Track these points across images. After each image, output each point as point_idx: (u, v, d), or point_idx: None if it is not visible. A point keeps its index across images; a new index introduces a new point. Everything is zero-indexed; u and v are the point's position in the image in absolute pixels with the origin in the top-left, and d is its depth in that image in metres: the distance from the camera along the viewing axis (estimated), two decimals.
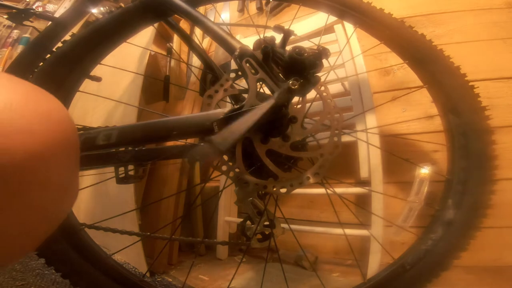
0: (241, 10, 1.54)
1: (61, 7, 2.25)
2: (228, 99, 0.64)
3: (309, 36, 1.04)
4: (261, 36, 0.55)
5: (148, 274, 0.94)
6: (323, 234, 0.96)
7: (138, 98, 1.10)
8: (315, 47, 0.50)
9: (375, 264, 0.83)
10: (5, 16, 0.73)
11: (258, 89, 0.50)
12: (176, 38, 1.52)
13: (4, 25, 2.27)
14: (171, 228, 1.06)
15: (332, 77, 0.97)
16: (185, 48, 1.55)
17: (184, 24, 1.46)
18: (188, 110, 1.27)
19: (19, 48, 2.18)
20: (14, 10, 0.73)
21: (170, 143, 0.67)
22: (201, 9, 1.57)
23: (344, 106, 0.97)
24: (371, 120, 0.91)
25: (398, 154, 0.82)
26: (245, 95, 0.50)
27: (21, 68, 0.63)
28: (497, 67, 0.92)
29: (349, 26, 0.97)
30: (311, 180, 0.48)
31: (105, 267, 0.63)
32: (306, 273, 0.95)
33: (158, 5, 0.67)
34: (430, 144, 0.91)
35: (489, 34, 0.95)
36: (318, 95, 0.53)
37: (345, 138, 0.90)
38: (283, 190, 0.47)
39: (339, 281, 0.89)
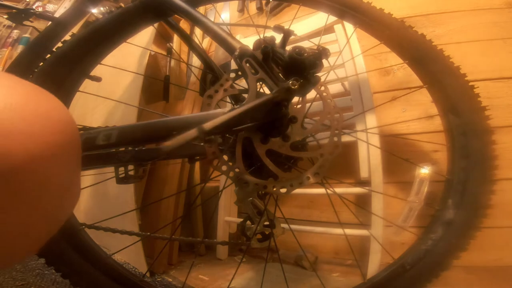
0: (241, 10, 1.54)
1: (61, 7, 2.25)
2: (228, 99, 0.64)
3: (309, 36, 1.04)
4: (261, 36, 0.55)
5: (148, 274, 0.94)
6: (323, 234, 0.96)
7: (138, 98, 1.10)
8: (315, 47, 0.50)
9: (375, 264, 0.83)
10: (5, 16, 0.72)
11: (258, 89, 0.50)
12: (176, 38, 1.52)
13: (4, 25, 2.27)
14: (171, 228, 1.06)
15: (332, 77, 0.97)
16: (185, 48, 1.55)
17: (184, 24, 1.46)
18: (188, 110, 1.27)
19: (19, 48, 2.18)
20: (14, 10, 0.73)
21: None
22: (201, 9, 1.57)
23: (344, 106, 0.97)
24: (371, 120, 0.91)
25: (398, 154, 0.82)
26: (245, 95, 0.50)
27: (21, 68, 0.63)
28: (497, 67, 0.92)
29: (349, 26, 0.97)
30: (311, 180, 0.48)
31: (105, 267, 0.63)
32: (306, 273, 0.95)
33: (158, 5, 0.67)
34: (430, 144, 0.91)
35: (489, 34, 0.95)
36: (318, 95, 0.53)
37: (345, 138, 0.90)
38: (283, 190, 0.47)
39: (339, 281, 0.89)
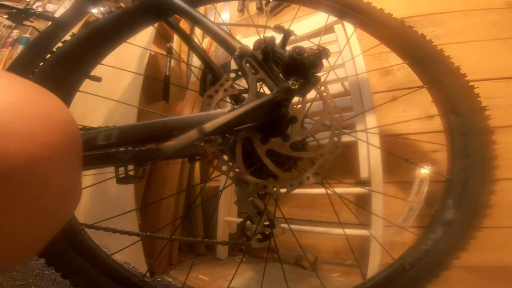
0: (241, 10, 1.54)
1: (61, 7, 2.25)
2: (228, 99, 0.64)
3: (309, 36, 1.04)
4: (261, 36, 0.55)
5: (148, 274, 0.94)
6: (323, 234, 0.96)
7: (138, 98, 1.10)
8: (315, 47, 0.50)
9: (375, 264, 0.83)
10: (5, 16, 0.72)
11: (258, 89, 0.50)
12: (176, 38, 1.52)
13: (4, 25, 2.27)
14: (171, 228, 1.06)
15: (332, 77, 0.97)
16: (185, 48, 1.55)
17: (184, 24, 1.46)
18: (188, 110, 1.27)
19: (19, 48, 2.18)
20: (14, 10, 0.73)
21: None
22: (201, 9, 1.58)
23: (344, 106, 0.97)
24: (371, 120, 0.91)
25: (398, 154, 0.82)
26: (245, 95, 0.50)
27: (21, 68, 0.63)
28: (497, 67, 0.92)
29: (349, 26, 0.97)
30: (311, 180, 0.48)
31: (105, 267, 0.63)
32: (306, 273, 0.95)
33: (158, 5, 0.67)
34: (430, 144, 0.91)
35: (489, 34, 0.95)
36: (318, 95, 0.53)
37: (345, 138, 0.90)
38: (283, 190, 0.47)
39: (339, 281, 0.89)
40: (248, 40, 1.17)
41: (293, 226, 0.88)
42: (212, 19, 0.81)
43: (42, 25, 0.95)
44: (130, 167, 0.63)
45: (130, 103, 1.07)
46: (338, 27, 1.00)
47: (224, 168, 0.47)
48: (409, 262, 0.59)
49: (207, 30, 0.61)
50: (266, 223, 0.53)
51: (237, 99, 0.63)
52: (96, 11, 1.03)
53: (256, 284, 0.89)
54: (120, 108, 1.16)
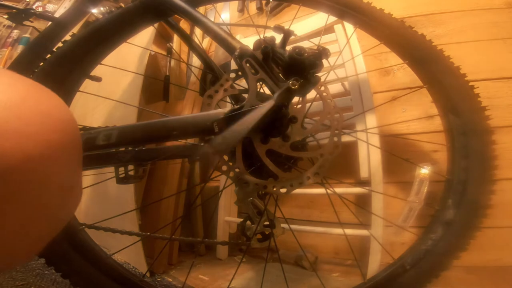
0: (241, 10, 1.54)
1: (61, 7, 2.25)
2: (228, 99, 0.64)
3: (309, 36, 1.04)
4: (261, 36, 0.55)
5: (148, 274, 0.94)
6: (323, 234, 0.96)
7: (138, 98, 1.10)
8: (315, 47, 0.50)
9: (375, 264, 0.83)
10: (5, 16, 0.72)
11: (258, 89, 0.50)
12: (176, 38, 1.52)
13: (4, 25, 2.27)
14: (171, 228, 1.06)
15: (332, 77, 0.97)
16: (185, 48, 1.55)
17: (184, 24, 1.46)
18: (188, 110, 1.27)
19: (19, 48, 2.18)
20: (14, 10, 0.73)
21: (170, 143, 0.67)
22: (201, 9, 1.58)
23: (344, 106, 0.97)
24: (371, 120, 0.91)
25: (398, 154, 0.82)
26: (245, 95, 0.50)
27: (21, 68, 0.63)
28: (497, 67, 0.92)
29: (349, 26, 0.97)
30: (311, 180, 0.48)
31: (105, 267, 0.63)
32: (306, 273, 0.95)
33: (158, 5, 0.67)
34: (430, 144, 0.91)
35: (489, 34, 0.95)
36: (318, 95, 0.53)
37: (345, 138, 0.90)
38: (283, 190, 0.47)
39: (339, 281, 0.89)
40: (248, 40, 1.17)
41: (293, 226, 0.88)
42: (212, 19, 0.81)
43: (42, 25, 0.95)
44: (130, 167, 0.63)
45: (130, 103, 1.07)
46: (338, 27, 1.00)
47: (224, 168, 0.47)
48: (409, 262, 0.59)
49: (207, 30, 0.61)
50: (266, 223, 0.53)
51: (237, 99, 0.63)
52: (96, 11, 1.03)
53: (256, 284, 0.89)
54: (120, 108, 1.16)
